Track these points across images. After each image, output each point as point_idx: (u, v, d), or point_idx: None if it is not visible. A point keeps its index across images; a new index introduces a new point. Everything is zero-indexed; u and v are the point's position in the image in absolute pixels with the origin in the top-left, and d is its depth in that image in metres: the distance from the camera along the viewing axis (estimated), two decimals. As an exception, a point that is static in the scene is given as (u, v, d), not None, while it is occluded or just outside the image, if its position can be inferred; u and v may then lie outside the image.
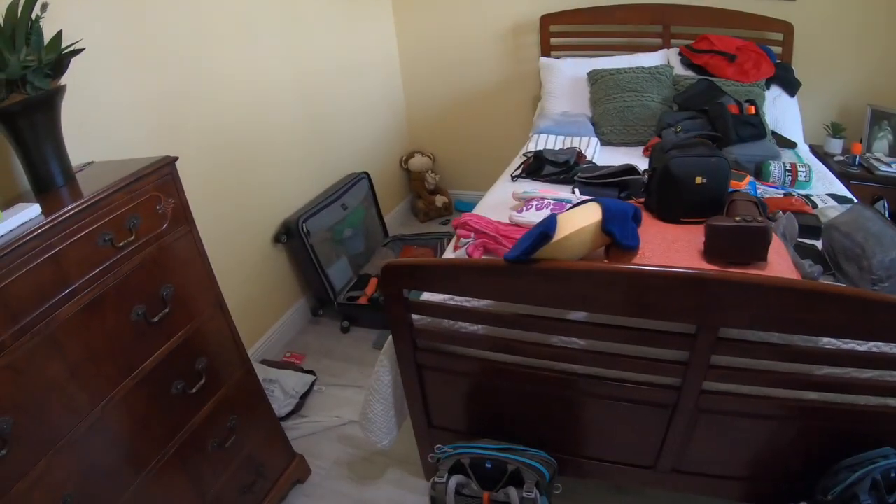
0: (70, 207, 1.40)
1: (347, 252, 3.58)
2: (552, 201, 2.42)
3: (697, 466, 1.99)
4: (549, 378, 1.91)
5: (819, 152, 3.77)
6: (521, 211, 2.41)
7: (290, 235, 3.19)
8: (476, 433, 2.14)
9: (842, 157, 3.66)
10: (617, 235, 1.71)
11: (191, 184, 2.27)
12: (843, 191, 2.82)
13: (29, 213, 1.36)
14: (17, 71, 1.42)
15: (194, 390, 1.79)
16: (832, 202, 2.57)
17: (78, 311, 1.43)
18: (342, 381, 3.00)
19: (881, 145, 3.72)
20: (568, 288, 1.67)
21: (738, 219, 1.77)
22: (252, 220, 3.02)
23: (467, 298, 1.91)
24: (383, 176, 4.38)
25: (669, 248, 1.88)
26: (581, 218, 1.70)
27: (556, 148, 3.25)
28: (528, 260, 1.63)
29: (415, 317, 1.95)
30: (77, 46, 1.56)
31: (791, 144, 3.37)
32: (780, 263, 1.79)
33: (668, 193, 2.11)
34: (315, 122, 3.52)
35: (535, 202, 2.43)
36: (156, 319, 1.64)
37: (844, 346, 1.66)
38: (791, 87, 3.60)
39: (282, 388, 2.79)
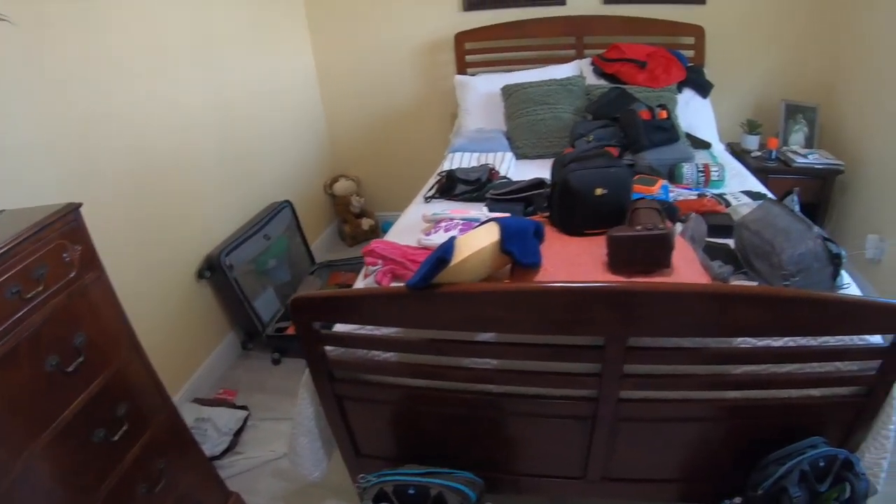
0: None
1: (273, 282, 3.52)
2: (461, 221, 2.39)
3: (628, 472, 1.98)
4: (466, 400, 1.89)
5: (737, 150, 3.86)
6: (429, 234, 2.37)
7: (214, 270, 3.10)
8: (404, 459, 2.09)
9: (759, 153, 3.74)
10: (516, 254, 1.69)
11: (108, 223, 2.34)
12: (757, 186, 2.88)
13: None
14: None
15: (117, 437, 1.73)
16: (746, 199, 2.61)
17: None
18: (276, 415, 2.92)
19: (797, 138, 3.82)
20: (472, 310, 1.65)
21: (638, 228, 1.77)
22: (174, 257, 2.93)
23: (377, 327, 1.88)
24: (308, 202, 4.30)
25: (573, 262, 1.87)
26: (479, 240, 1.68)
27: (471, 165, 3.24)
28: (428, 285, 1.62)
29: (329, 348, 1.91)
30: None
31: (706, 145, 3.43)
32: (686, 268, 1.80)
33: (570, 207, 2.11)
34: (235, 153, 3.45)
35: (443, 224, 2.40)
36: (71, 369, 1.58)
37: (760, 344, 1.68)
38: (703, 89, 3.67)
39: (214, 426, 2.72)
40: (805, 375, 1.70)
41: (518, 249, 1.70)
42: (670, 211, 2.33)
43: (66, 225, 1.62)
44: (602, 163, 2.12)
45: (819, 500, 1.68)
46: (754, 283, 1.91)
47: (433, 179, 3.16)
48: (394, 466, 1.97)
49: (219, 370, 3.23)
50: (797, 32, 3.89)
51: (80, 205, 1.68)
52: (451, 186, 2.93)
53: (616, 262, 1.80)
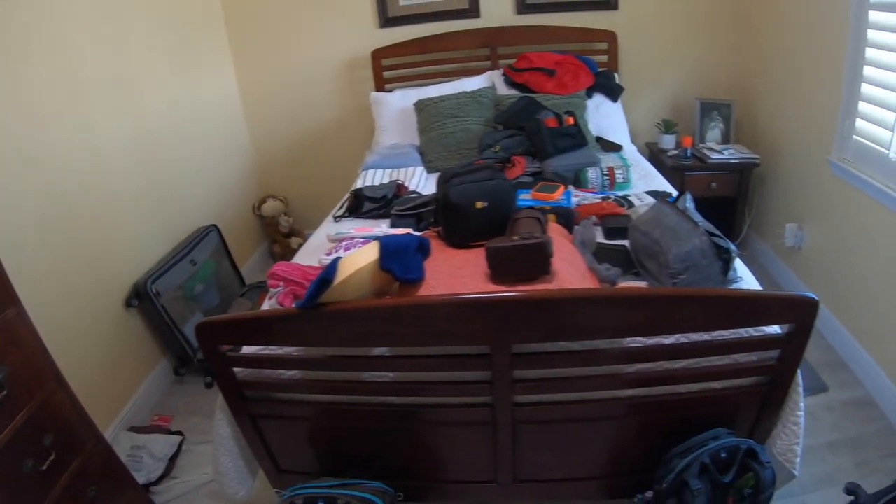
0: None
1: (202, 307, 3.49)
2: (361, 240, 2.42)
3: (538, 474, 2.01)
4: (372, 413, 1.92)
5: (655, 150, 3.94)
6: (330, 254, 2.37)
7: (141, 298, 3.08)
8: (324, 472, 2.10)
9: (675, 152, 3.83)
10: (395, 271, 1.72)
11: (30, 259, 2.37)
12: (664, 186, 2.94)
13: None
14: None
15: (45, 467, 1.76)
16: (649, 200, 2.66)
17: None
18: (210, 437, 2.85)
19: (714, 135, 3.91)
20: (360, 326, 1.68)
21: (515, 238, 1.80)
22: (101, 288, 2.90)
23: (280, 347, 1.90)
24: (236, 225, 4.25)
25: (455, 274, 1.89)
26: (359, 259, 1.71)
27: (383, 181, 3.27)
28: (316, 305, 1.65)
29: (238, 369, 1.92)
30: None
31: (616, 148, 3.50)
32: (569, 272, 1.83)
33: (452, 221, 2.16)
34: (158, 180, 3.42)
35: (345, 243, 2.42)
36: None
37: (650, 343, 1.72)
38: (613, 93, 3.75)
39: (150, 453, 2.72)
40: (702, 370, 1.74)
41: (397, 266, 1.73)
42: (567, 217, 2.37)
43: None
44: (482, 176, 2.16)
45: (726, 490, 1.71)
46: (643, 284, 1.94)
47: (344, 198, 3.16)
48: (314, 480, 1.99)
49: (153, 397, 3.20)
50: (709, 32, 4.01)
51: None
52: (359, 204, 2.95)
53: (496, 272, 1.84)
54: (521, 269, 1.80)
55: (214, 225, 3.81)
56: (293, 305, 1.74)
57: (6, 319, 1.74)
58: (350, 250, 2.32)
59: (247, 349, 1.94)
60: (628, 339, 1.71)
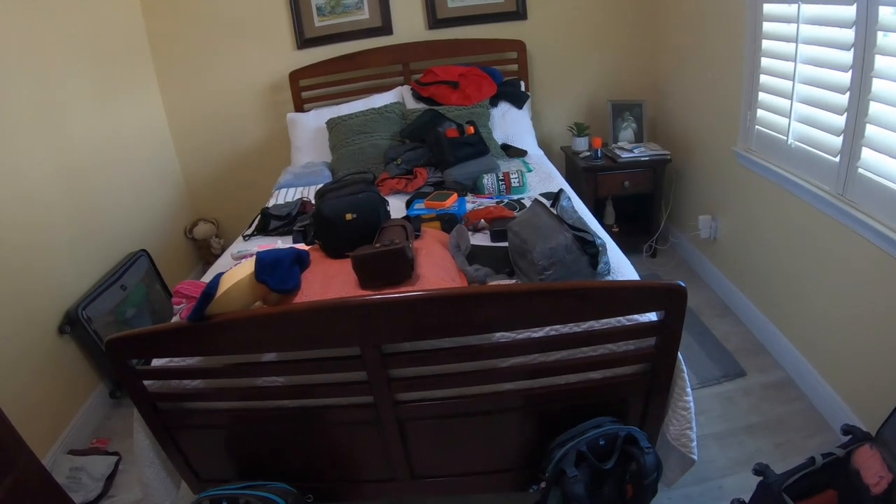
0: None
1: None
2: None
3: (434, 469, 2.10)
4: (270, 416, 2.00)
5: (569, 152, 4.04)
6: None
7: (73, 324, 3.13)
8: (240, 478, 2.18)
9: (587, 153, 3.94)
10: (269, 283, 1.84)
11: None
12: (560, 186, 3.02)
13: None
14: None
15: None
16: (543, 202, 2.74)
17: None
18: None
19: (627, 135, 4.04)
20: (242, 335, 1.79)
21: (377, 245, 1.90)
22: (34, 315, 2.95)
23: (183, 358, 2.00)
24: (168, 248, 4.28)
25: (329, 282, 1.99)
26: (238, 273, 1.83)
27: (293, 199, 3.35)
28: (203, 317, 1.76)
29: (148, 382, 2.00)
30: None
31: (521, 153, 3.62)
32: (437, 275, 1.93)
33: (326, 233, 2.28)
34: (86, 209, 3.46)
35: (244, 260, 2.48)
36: None
37: (519, 337, 1.81)
38: (518, 100, 3.87)
39: (88, 474, 2.78)
40: (576, 360, 1.83)
41: (270, 278, 1.84)
42: (452, 222, 2.47)
43: None
44: (352, 190, 2.29)
45: (606, 477, 1.78)
46: (513, 281, 2.02)
47: (255, 217, 3.23)
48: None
49: (92, 421, 3.24)
50: (617, 36, 4.17)
51: None
52: (266, 223, 3.03)
53: (362, 278, 1.94)
54: (384, 274, 1.90)
55: (144, 250, 3.87)
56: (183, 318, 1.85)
57: None
58: (244, 266, 2.39)
59: (155, 362, 2.04)
60: (497, 334, 1.81)
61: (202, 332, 1.78)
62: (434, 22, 4.12)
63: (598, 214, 3.82)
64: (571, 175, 3.97)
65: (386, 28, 4.14)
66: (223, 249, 4.42)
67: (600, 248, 1.97)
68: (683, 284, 1.67)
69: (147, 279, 3.80)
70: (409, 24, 4.15)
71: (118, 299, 3.42)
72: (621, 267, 2.16)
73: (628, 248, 2.48)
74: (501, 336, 1.81)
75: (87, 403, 3.21)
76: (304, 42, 4.19)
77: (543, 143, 4.01)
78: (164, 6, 4.18)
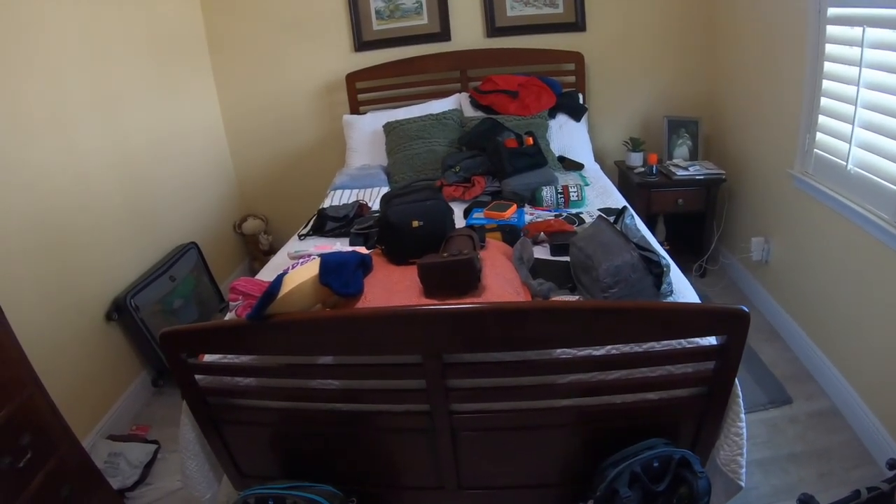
0: None
1: (180, 321, 3.56)
2: (318, 257, 2.47)
3: (483, 481, 2.07)
4: (322, 419, 1.99)
5: (623, 167, 4.01)
6: (287, 270, 2.45)
7: (121, 312, 3.18)
8: (284, 476, 2.18)
9: (642, 169, 3.90)
10: (333, 286, 1.84)
11: (13, 273, 2.52)
12: (620, 203, 3.02)
13: None
14: None
15: (22, 464, 1.87)
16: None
17: None
18: None
19: (681, 152, 3.99)
20: (301, 337, 1.79)
21: (445, 255, 1.90)
22: (83, 300, 3.01)
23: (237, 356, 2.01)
24: (217, 242, 4.34)
25: (392, 289, 1.99)
26: (301, 275, 1.83)
27: (349, 201, 3.35)
28: (263, 316, 1.76)
29: (199, 376, 2.01)
30: None
31: (578, 167, 3.60)
32: (502, 287, 1.91)
33: (391, 239, 2.27)
34: (140, 200, 3.53)
35: (301, 260, 2.47)
36: None
37: (580, 353, 1.78)
38: (576, 113, 3.85)
39: (126, 460, 2.82)
40: (635, 380, 1.80)
41: (335, 281, 1.85)
42: (513, 234, 2.47)
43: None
44: (418, 197, 2.28)
45: (658, 499, 1.74)
46: (576, 298, 2.01)
47: (311, 217, 3.25)
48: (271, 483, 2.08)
49: (133, 407, 3.28)
50: (677, 51, 4.12)
51: None
52: (322, 224, 3.04)
53: (428, 287, 1.93)
54: (450, 283, 1.89)
55: (194, 242, 3.92)
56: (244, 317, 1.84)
57: None
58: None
59: (208, 357, 2.04)
60: (557, 350, 1.78)
61: (261, 331, 1.79)
62: (493, 30, 4.11)
63: (650, 230, 3.81)
64: (625, 190, 3.90)
65: (444, 34, 4.14)
66: (271, 246, 4.54)
67: (665, 269, 1.96)
68: (747, 310, 1.63)
69: (196, 271, 3.85)
70: (468, 31, 4.15)
71: (166, 290, 3.48)
72: (682, 288, 2.13)
73: (678, 267, 2.44)
74: (562, 352, 1.79)
75: (129, 390, 3.26)
76: (361, 45, 4.21)
77: (598, 157, 3.98)
78: (223, 3, 4.25)
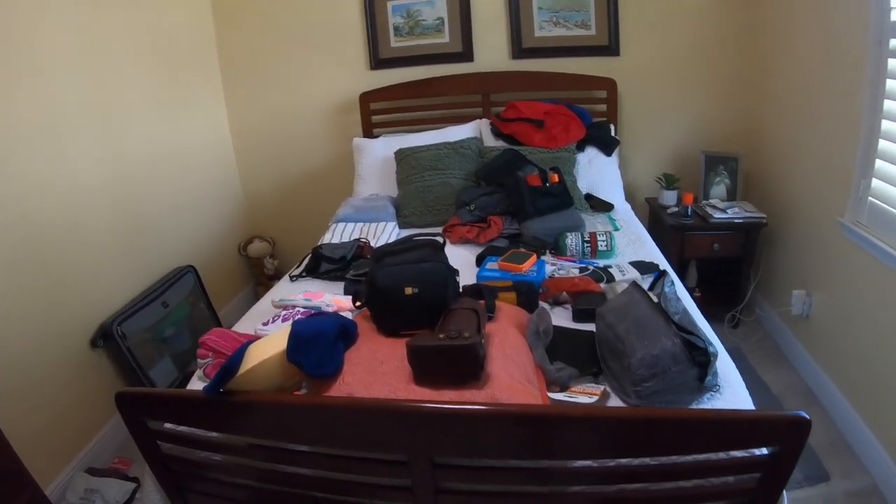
0: None
1: (171, 351, 3.38)
2: (302, 310, 2.24)
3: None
4: (291, 502, 1.75)
5: (655, 206, 3.72)
6: (266, 324, 2.19)
7: (107, 339, 3.00)
8: None
9: (675, 209, 3.59)
10: (304, 366, 1.58)
11: None
12: (654, 255, 2.70)
13: None
14: None
15: None
16: (633, 273, 2.42)
17: None
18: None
19: (719, 191, 3.69)
20: (268, 420, 1.57)
21: (441, 336, 1.57)
22: (68, 324, 2.84)
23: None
24: (220, 264, 4.17)
25: (376, 370, 1.68)
26: (267, 348, 1.58)
27: (353, 236, 3.09)
28: (219, 392, 1.54)
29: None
30: None
31: (607, 207, 3.29)
32: (510, 375, 1.60)
33: (381, 306, 1.95)
34: (135, 219, 3.35)
35: (284, 313, 2.24)
36: None
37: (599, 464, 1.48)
38: (607, 146, 3.54)
39: (102, 498, 2.67)
40: (663, 492, 1.49)
41: (305, 360, 1.58)
42: (529, 295, 2.14)
43: None
44: (415, 257, 1.95)
45: None
46: (601, 388, 1.70)
47: (305, 256, 2.98)
48: None
49: (117, 439, 3.09)
50: (717, 81, 3.81)
51: None
52: (317, 265, 2.77)
53: (419, 372, 1.62)
54: (447, 371, 1.58)
55: (191, 266, 3.71)
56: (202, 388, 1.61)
57: None
58: (287, 321, 2.14)
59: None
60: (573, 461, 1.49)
61: (220, 408, 1.58)
62: (519, 51, 3.82)
63: (680, 275, 3.49)
64: (656, 231, 3.60)
65: (466, 54, 3.87)
66: (276, 271, 4.32)
67: (712, 358, 1.63)
68: (807, 417, 1.32)
69: (192, 297, 3.64)
70: (492, 52, 3.87)
71: (158, 317, 3.29)
72: (729, 375, 1.78)
73: (709, 317, 2.16)
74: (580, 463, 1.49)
75: (112, 420, 3.07)
76: (378, 62, 3.96)
77: (627, 193, 3.67)
78: (236, 14, 4.05)
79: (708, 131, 3.88)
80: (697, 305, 2.16)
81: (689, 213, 3.50)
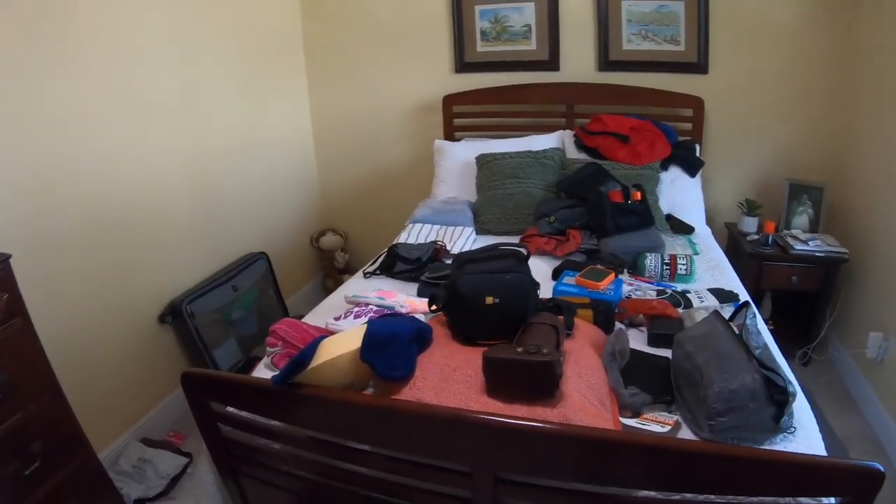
0: None
1: (237, 333, 3.46)
2: (375, 309, 2.24)
3: None
4: (345, 499, 1.77)
5: (734, 231, 3.62)
6: (339, 318, 2.21)
7: (175, 316, 3.12)
8: None
9: (756, 237, 3.48)
10: (376, 367, 1.59)
11: (69, 267, 2.55)
12: (733, 283, 2.61)
13: None
14: None
15: (28, 472, 1.87)
16: (711, 301, 2.36)
17: None
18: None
19: (800, 221, 3.57)
20: (332, 417, 1.60)
21: (519, 350, 1.56)
22: (137, 300, 2.97)
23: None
24: (291, 254, 4.29)
25: (449, 377, 1.66)
26: (341, 345, 1.59)
27: (429, 238, 3.10)
28: (288, 384, 1.57)
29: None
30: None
31: (688, 230, 3.21)
32: (583, 396, 1.58)
33: (459, 313, 1.93)
34: (212, 203, 3.46)
35: (356, 309, 2.25)
36: None
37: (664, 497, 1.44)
38: (691, 167, 3.44)
39: (154, 468, 2.76)
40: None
41: (378, 361, 1.59)
42: (606, 314, 2.11)
43: (-7, 275, 1.76)
44: (498, 267, 1.92)
45: None
46: (673, 418, 1.66)
47: (380, 254, 3.01)
48: None
49: (176, 413, 3.20)
50: (808, 106, 3.65)
51: (8, 256, 1.84)
52: (392, 263, 2.78)
53: (492, 384, 1.61)
54: (521, 386, 1.57)
55: (264, 253, 3.80)
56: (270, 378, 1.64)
57: (12, 328, 1.85)
58: (359, 318, 2.17)
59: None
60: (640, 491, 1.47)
61: (286, 398, 1.63)
62: (605, 63, 3.76)
63: (762, 318, 3.40)
64: (733, 257, 3.50)
65: (552, 63, 3.83)
66: (347, 265, 4.40)
67: (791, 398, 1.57)
68: (882, 469, 1.26)
69: (261, 283, 3.72)
70: (578, 62, 3.82)
71: (227, 299, 3.39)
72: (802, 417, 1.71)
73: (780, 351, 2.08)
74: (645, 494, 1.46)
75: (172, 394, 3.19)
76: (462, 66, 3.97)
77: (707, 216, 3.57)
78: (323, 11, 4.14)
79: (793, 158, 3.74)
80: (775, 340, 2.11)
81: (770, 242, 3.39)
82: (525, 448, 1.43)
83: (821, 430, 1.70)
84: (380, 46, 4.10)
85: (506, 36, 3.86)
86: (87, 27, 2.58)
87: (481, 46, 3.92)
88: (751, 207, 3.59)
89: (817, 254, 3.29)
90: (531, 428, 1.40)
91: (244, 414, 1.79)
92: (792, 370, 1.94)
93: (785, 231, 3.53)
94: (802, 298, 3.52)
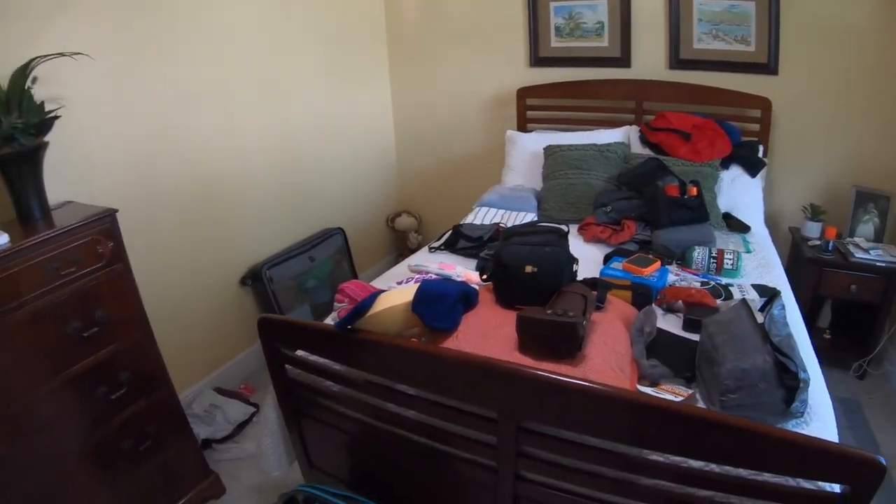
0: (30, 240, 1.84)
1: (311, 300, 3.71)
2: (436, 276, 2.44)
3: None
4: (394, 442, 1.97)
5: (797, 236, 3.61)
6: (401, 283, 2.39)
7: (255, 279, 3.42)
8: (348, 481, 2.23)
9: (817, 242, 3.45)
10: (424, 317, 1.79)
11: (166, 225, 2.91)
12: (779, 282, 2.64)
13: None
14: (6, 130, 1.85)
15: (114, 396, 2.15)
16: (753, 295, 2.41)
17: (25, 318, 1.84)
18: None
19: (866, 229, 3.49)
20: (382, 359, 1.81)
21: (549, 312, 1.74)
22: (223, 262, 3.30)
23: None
24: (366, 232, 4.54)
25: (488, 334, 1.86)
26: (396, 298, 1.81)
27: (493, 222, 3.25)
28: (348, 328, 1.79)
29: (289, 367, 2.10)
30: (59, 112, 2.02)
31: (744, 228, 3.22)
32: (605, 360, 1.73)
33: (502, 280, 2.14)
34: (295, 178, 3.76)
35: (417, 276, 2.45)
36: (87, 334, 2.02)
37: (672, 460, 1.52)
38: (752, 166, 3.45)
39: (224, 414, 3.05)
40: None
41: (427, 313, 1.79)
42: (645, 296, 2.24)
43: (103, 225, 2.07)
44: (539, 240, 2.11)
45: None
46: (688, 391, 1.77)
47: (446, 231, 3.20)
48: (332, 485, 2.15)
49: (248, 368, 3.51)
50: (879, 112, 3.52)
51: (115, 211, 2.11)
52: (455, 241, 2.99)
53: (523, 342, 1.79)
54: (548, 344, 1.75)
55: (341, 228, 4.07)
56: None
57: (114, 272, 2.12)
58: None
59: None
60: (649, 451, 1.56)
61: (346, 343, 1.84)
62: (675, 61, 3.80)
63: (812, 314, 3.36)
64: (794, 262, 3.50)
65: (624, 60, 3.90)
66: (419, 245, 4.58)
67: (802, 385, 1.63)
68: (884, 462, 1.30)
69: (337, 256, 3.97)
70: (649, 60, 3.88)
71: (304, 268, 3.66)
72: (820, 409, 1.73)
73: (836, 362, 2.11)
74: (654, 454, 1.56)
75: (246, 351, 3.50)
76: (536, 60, 4.10)
77: (771, 220, 3.59)
78: (406, 6, 4.39)
79: (861, 165, 3.62)
80: (814, 344, 2.12)
81: (830, 248, 3.35)
82: (546, 399, 1.57)
83: (863, 444, 1.70)
84: (459, 39, 4.26)
85: (579, 32, 3.96)
86: (187, 16, 2.89)
87: (555, 42, 4.00)
88: (815, 212, 3.57)
89: (878, 263, 3.22)
90: (555, 381, 1.54)
91: (310, 357, 2.03)
92: (843, 381, 1.91)
93: (848, 238, 3.49)
94: (863, 310, 3.44)
